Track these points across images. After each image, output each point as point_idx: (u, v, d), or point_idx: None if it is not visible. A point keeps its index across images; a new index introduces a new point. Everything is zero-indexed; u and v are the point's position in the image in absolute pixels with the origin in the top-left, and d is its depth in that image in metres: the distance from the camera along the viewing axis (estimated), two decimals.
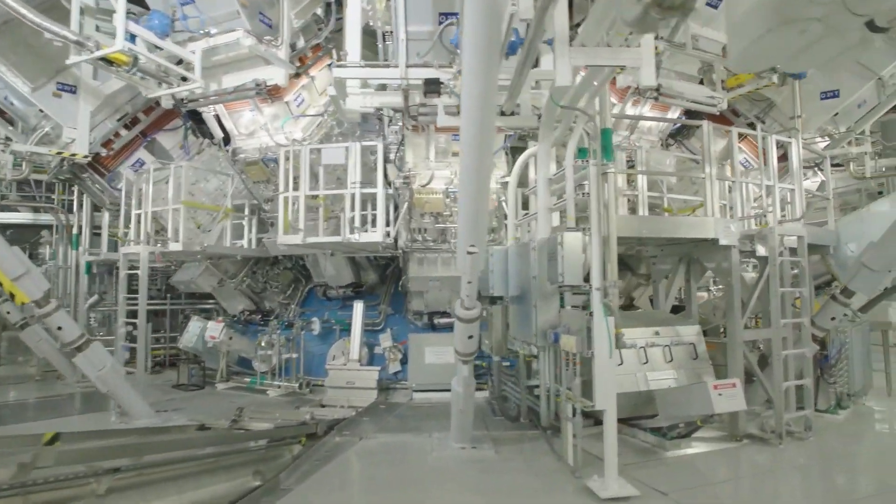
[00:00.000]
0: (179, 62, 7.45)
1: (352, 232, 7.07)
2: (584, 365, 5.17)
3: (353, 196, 7.17)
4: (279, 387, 9.24)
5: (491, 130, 3.93)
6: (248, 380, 9.78)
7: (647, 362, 6.49)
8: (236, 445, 5.30)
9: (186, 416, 7.75)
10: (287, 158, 7.68)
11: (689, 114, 8.59)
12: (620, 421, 6.62)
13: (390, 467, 5.81)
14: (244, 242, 9.46)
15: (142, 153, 9.48)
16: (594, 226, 4.97)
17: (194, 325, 10.21)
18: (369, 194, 7.36)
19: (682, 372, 6.60)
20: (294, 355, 9.27)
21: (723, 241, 6.36)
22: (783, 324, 6.28)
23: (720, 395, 5.49)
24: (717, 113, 8.17)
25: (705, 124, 6.89)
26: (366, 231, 7.15)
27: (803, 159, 8.76)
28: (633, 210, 7.70)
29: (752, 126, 9.74)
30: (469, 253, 4.54)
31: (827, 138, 8.73)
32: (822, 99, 8.82)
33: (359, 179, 7.18)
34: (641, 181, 7.24)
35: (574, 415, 5.18)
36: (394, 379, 9.09)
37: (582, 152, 6.03)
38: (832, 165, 9.61)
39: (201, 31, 7.07)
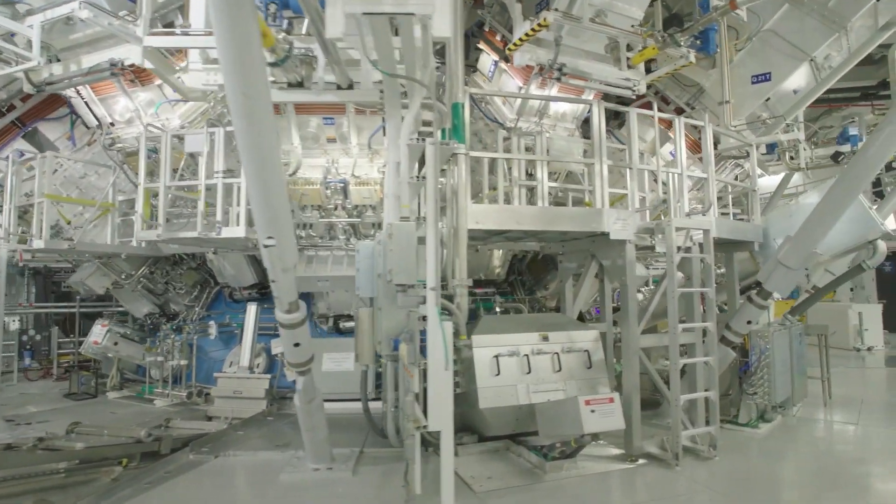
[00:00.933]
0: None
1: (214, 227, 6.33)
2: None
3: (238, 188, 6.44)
4: (167, 395, 8.48)
5: (259, 98, 3.19)
6: (140, 388, 9.03)
7: (529, 372, 5.75)
8: (26, 469, 4.54)
9: (49, 428, 7.00)
10: (155, 149, 6.95)
11: (624, 102, 7.86)
12: (507, 437, 6.02)
13: (226, 491, 5.10)
14: (134, 241, 8.68)
15: (21, 143, 8.71)
16: (430, 215, 4.23)
17: (97, 329, 9.49)
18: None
19: (574, 383, 5.86)
20: (184, 362, 8.50)
21: (615, 235, 5.64)
22: (681, 329, 5.56)
23: (592, 411, 4.76)
24: (634, 96, 7.44)
25: (631, 112, 6.19)
26: (227, 226, 6.40)
27: (734, 149, 8.08)
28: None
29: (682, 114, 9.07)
30: (265, 246, 3.80)
31: (761, 125, 8.04)
32: (753, 83, 8.12)
33: (222, 168, 6.43)
34: (541, 170, 6.51)
35: (414, 435, 4.43)
36: (291, 387, 8.31)
37: (457, 134, 5.31)
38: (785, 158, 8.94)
39: (43, 5, 6.32)
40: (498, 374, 5.60)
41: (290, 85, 5.26)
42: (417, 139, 4.29)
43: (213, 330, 8.83)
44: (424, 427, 4.16)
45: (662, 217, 6.25)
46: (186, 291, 9.94)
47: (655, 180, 7.61)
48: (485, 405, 5.48)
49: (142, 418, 7.52)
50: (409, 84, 4.41)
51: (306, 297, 9.11)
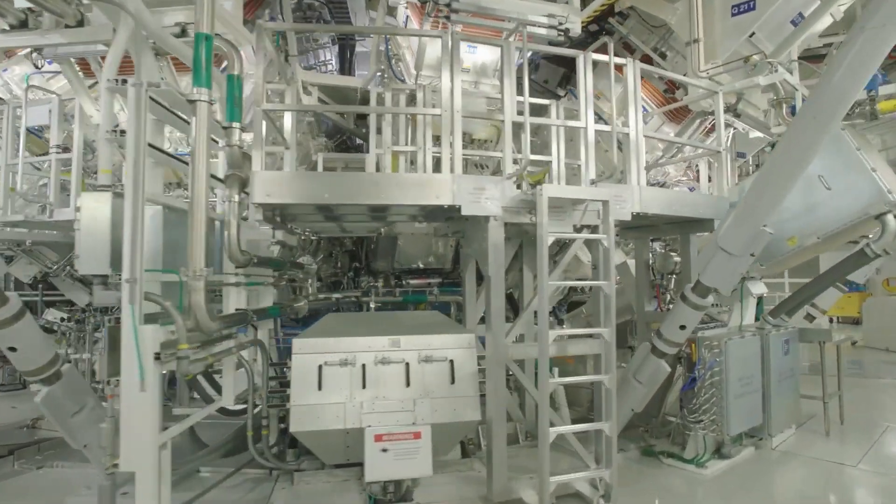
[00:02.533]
0: None
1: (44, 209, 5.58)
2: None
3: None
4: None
5: None
6: None
7: (365, 387, 4.50)
8: None
9: None
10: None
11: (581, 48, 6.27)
12: (350, 466, 4.85)
13: None
14: None
15: None
16: (129, 182, 3.12)
17: None
18: None
19: (427, 403, 4.51)
20: (87, 356, 7.97)
21: (468, 210, 4.24)
22: (550, 336, 4.07)
23: (384, 451, 3.48)
24: (562, 38, 5.84)
25: (581, 55, 4.72)
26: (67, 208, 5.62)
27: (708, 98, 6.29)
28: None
29: (650, 64, 7.27)
30: None
31: (751, 68, 6.12)
32: (733, 14, 6.21)
33: (56, 143, 5.65)
34: (424, 132, 5.16)
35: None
36: None
37: (196, 76, 4.15)
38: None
39: None
40: (321, 389, 4.41)
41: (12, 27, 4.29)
42: (118, 81, 3.20)
43: None
44: (115, 466, 3.09)
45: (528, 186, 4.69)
46: None
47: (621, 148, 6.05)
48: (297, 428, 4.30)
49: (25, 415, 7.08)
50: (110, 10, 3.31)
51: None
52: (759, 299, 11.11)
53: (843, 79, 3.49)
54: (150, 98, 3.50)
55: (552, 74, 9.03)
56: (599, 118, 7.50)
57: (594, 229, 4.60)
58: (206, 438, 5.75)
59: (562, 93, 8.35)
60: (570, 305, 8.86)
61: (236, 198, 4.03)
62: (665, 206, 5.04)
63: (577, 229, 4.61)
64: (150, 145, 3.37)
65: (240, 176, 4.07)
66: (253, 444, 4.83)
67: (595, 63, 4.91)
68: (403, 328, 4.89)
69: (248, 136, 6.13)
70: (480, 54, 6.60)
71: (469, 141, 6.87)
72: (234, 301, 4.53)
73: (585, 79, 4.79)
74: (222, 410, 4.92)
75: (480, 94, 6.38)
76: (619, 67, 5.07)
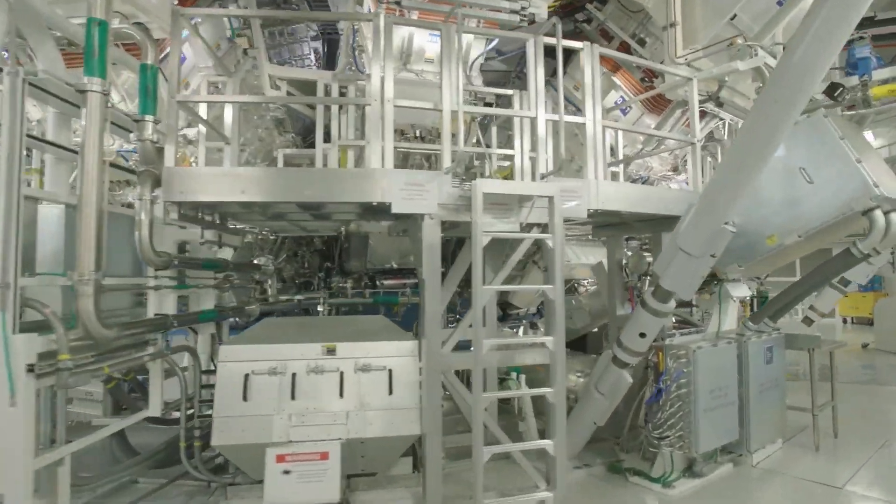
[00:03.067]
0: None
1: None
2: None
3: None
4: None
5: None
6: None
7: (294, 398, 4.20)
8: None
9: None
10: None
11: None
12: None
13: None
14: None
15: None
16: (3, 180, 2.86)
17: None
18: None
19: (362, 416, 4.21)
20: None
21: (398, 208, 3.90)
22: (485, 346, 3.71)
23: (286, 473, 3.17)
24: (524, 22, 5.44)
25: (530, 38, 4.34)
26: None
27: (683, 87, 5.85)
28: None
29: (629, 52, 6.84)
30: None
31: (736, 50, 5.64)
32: None
33: None
34: (341, 123, 4.85)
35: None
36: None
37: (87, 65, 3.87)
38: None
39: None
40: (246, 400, 4.13)
41: None
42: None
43: None
44: None
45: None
46: None
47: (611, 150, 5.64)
48: (219, 441, 4.01)
49: None
50: None
51: None
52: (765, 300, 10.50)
53: (808, 53, 3.06)
54: (44, 89, 3.25)
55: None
56: (578, 110, 7.11)
57: (545, 228, 4.23)
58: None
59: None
60: None
61: (148, 195, 3.77)
62: (628, 202, 4.63)
63: (526, 228, 4.24)
64: (32, 137, 3.11)
65: (153, 172, 3.80)
66: (186, 454, 4.58)
67: (568, 53, 4.53)
68: (341, 334, 4.57)
69: (192, 132, 5.89)
70: (432, 44, 6.24)
71: (436, 135, 6.53)
72: (157, 305, 4.26)
73: (536, 66, 4.41)
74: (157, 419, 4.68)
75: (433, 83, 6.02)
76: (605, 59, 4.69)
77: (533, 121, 4.37)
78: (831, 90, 5.30)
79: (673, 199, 4.98)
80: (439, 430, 3.96)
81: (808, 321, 7.42)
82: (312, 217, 5.05)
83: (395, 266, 8.19)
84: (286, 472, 3.14)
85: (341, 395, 4.22)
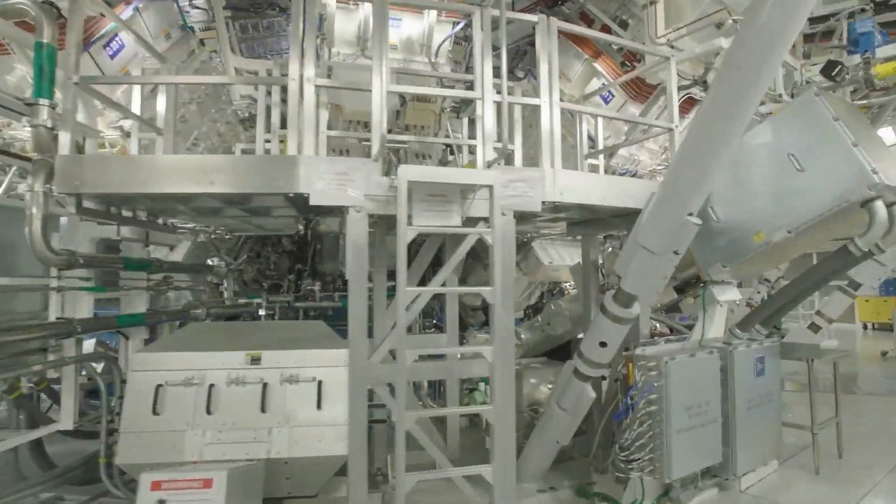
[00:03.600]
0: None
1: None
2: None
3: None
4: None
5: None
6: None
7: (211, 412, 3.78)
8: None
9: None
10: None
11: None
12: None
13: None
14: None
15: None
16: None
17: None
18: None
19: (286, 433, 3.78)
20: None
21: (317, 199, 3.46)
22: (408, 357, 3.23)
23: (162, 502, 2.74)
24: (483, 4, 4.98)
25: (476, 11, 3.85)
26: None
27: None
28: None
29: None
30: None
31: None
32: None
33: None
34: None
35: None
36: None
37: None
38: None
39: None
40: (157, 414, 3.72)
41: None
42: None
43: None
44: None
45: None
46: None
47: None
48: (125, 459, 3.63)
49: None
50: None
51: None
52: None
53: (775, 12, 2.55)
54: None
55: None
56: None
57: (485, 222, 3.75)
58: None
59: (521, 74, 7.48)
60: None
61: (40, 186, 3.39)
62: (591, 194, 4.12)
63: (469, 223, 3.77)
64: None
65: (48, 161, 3.43)
66: (106, 471, 4.20)
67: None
68: (271, 341, 4.15)
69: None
70: (406, 28, 5.82)
71: (404, 127, 6.11)
72: (61, 308, 3.89)
73: (484, 43, 3.94)
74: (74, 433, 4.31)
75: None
76: (577, 41, 4.22)
77: (481, 104, 3.90)
78: (829, 69, 4.73)
79: (639, 190, 4.44)
80: (363, 451, 3.49)
81: (814, 328, 6.78)
82: (248, 213, 4.64)
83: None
84: (161, 502, 2.72)
85: (263, 409, 3.80)
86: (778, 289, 8.94)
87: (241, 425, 3.77)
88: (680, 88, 5.85)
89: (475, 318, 8.47)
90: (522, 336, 7.12)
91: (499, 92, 3.78)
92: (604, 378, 4.88)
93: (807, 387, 5.15)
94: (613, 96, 6.35)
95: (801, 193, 4.09)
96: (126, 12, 5.05)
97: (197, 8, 7.10)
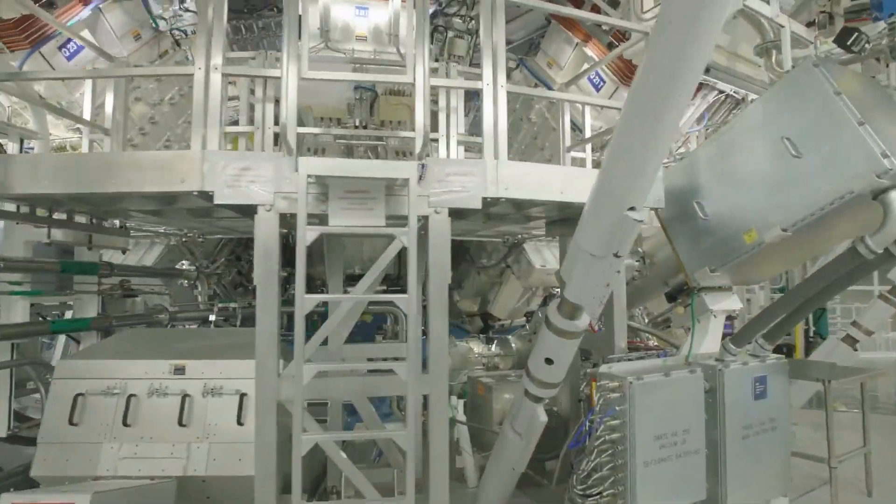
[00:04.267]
0: None
1: None
2: None
3: None
4: None
5: None
6: None
7: (128, 424, 3.58)
8: None
9: None
10: None
11: None
12: None
13: None
14: None
15: None
16: None
17: None
18: None
19: (205, 448, 3.52)
20: None
21: (222, 199, 3.17)
22: (306, 372, 2.87)
23: None
24: None
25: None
26: None
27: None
28: None
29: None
30: None
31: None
32: None
33: None
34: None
35: None
36: None
37: None
38: None
39: None
40: (75, 424, 3.56)
41: None
42: None
43: None
44: None
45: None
46: None
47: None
48: (39, 471, 3.49)
49: None
50: None
51: None
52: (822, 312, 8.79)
53: None
54: None
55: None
56: (549, 88, 6.14)
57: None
58: None
59: (513, 65, 6.99)
60: None
61: None
62: (545, 188, 3.63)
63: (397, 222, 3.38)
64: None
65: None
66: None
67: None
68: (201, 349, 3.92)
69: None
70: (374, 16, 5.48)
71: (380, 123, 5.78)
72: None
73: (418, 20, 3.55)
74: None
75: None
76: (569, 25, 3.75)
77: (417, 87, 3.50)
78: (844, 38, 4.00)
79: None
80: (272, 473, 3.17)
81: (850, 340, 5.91)
82: (191, 215, 4.45)
83: (357, 272, 7.50)
84: None
85: (181, 422, 3.56)
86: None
87: (160, 439, 3.56)
88: None
89: (472, 324, 8.04)
90: (512, 345, 6.66)
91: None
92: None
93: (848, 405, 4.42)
94: (605, 82, 5.76)
95: (797, 184, 3.44)
96: (83, 13, 5.01)
97: (189, 11, 7.09)
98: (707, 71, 5.01)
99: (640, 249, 4.65)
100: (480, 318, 7.93)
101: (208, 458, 3.50)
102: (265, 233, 3.20)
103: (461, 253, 7.82)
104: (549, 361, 3.30)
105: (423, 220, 3.38)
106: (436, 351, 3.31)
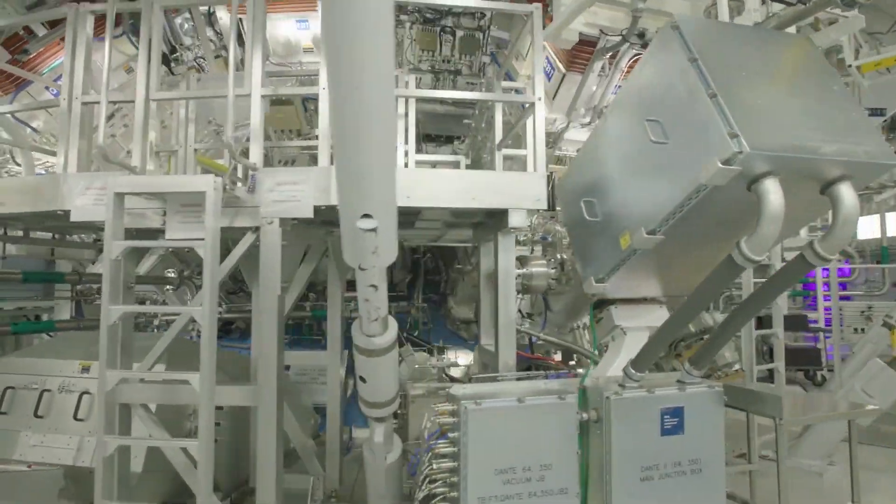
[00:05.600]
0: None
1: None
2: None
3: None
4: None
5: None
6: None
7: (40, 415, 4.04)
8: None
9: None
10: None
11: None
12: None
13: None
14: None
15: None
16: None
17: None
18: None
19: (92, 441, 3.86)
20: None
21: (79, 215, 3.44)
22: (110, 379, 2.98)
23: None
24: None
25: None
26: None
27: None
28: None
29: None
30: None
31: None
32: None
33: None
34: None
35: None
36: None
37: None
38: None
39: None
40: (4, 413, 4.13)
41: None
42: None
43: None
44: None
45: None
46: None
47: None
48: None
49: None
50: None
51: None
52: None
53: None
54: None
55: None
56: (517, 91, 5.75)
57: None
58: None
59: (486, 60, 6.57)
60: None
61: None
62: (407, 195, 3.38)
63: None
64: None
65: None
66: None
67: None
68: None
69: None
70: (315, 28, 5.56)
71: (296, 133, 5.83)
72: None
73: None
74: None
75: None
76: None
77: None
78: None
79: (474, 185, 3.48)
80: (112, 473, 3.36)
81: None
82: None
83: (350, 278, 7.65)
84: None
85: (76, 417, 3.96)
86: None
87: (61, 431, 3.99)
88: (610, 48, 4.52)
89: (468, 331, 7.72)
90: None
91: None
92: None
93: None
94: (555, 70, 5.15)
95: (662, 175, 2.79)
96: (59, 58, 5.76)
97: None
98: (645, 45, 4.22)
99: (559, 256, 4.10)
100: (476, 324, 7.60)
101: (96, 452, 3.84)
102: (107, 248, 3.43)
103: (451, 259, 7.60)
104: (362, 380, 3.07)
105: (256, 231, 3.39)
106: (265, 362, 3.28)
